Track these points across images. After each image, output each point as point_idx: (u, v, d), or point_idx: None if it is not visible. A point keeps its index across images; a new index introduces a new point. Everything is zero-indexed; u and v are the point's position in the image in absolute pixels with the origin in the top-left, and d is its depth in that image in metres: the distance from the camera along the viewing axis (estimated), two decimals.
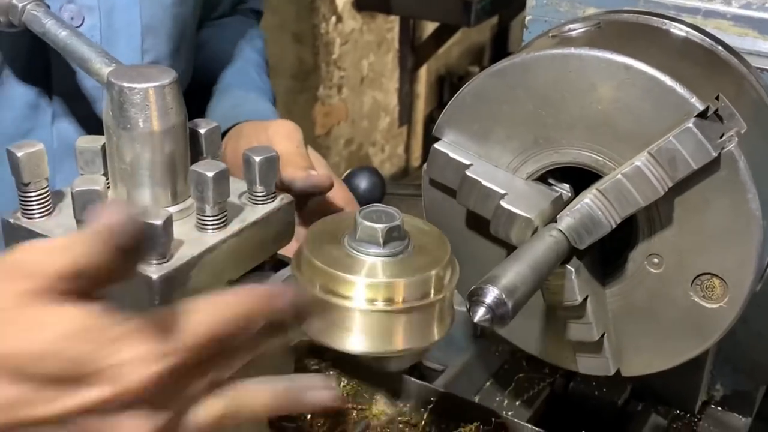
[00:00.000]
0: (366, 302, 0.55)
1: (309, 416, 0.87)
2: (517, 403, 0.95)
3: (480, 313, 0.59)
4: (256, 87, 1.11)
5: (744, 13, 0.82)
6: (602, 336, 0.73)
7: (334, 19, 2.55)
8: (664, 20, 0.77)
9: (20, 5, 0.62)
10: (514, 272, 0.61)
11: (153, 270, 0.54)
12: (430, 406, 0.86)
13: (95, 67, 0.60)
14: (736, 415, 0.96)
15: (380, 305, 0.55)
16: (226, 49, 1.14)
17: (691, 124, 0.63)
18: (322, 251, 0.57)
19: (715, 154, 0.63)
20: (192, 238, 0.57)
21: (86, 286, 0.45)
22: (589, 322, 0.71)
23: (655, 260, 0.70)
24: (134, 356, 0.44)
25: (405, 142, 3.05)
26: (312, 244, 0.58)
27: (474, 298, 0.60)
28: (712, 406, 0.97)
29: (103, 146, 0.60)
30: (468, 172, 0.72)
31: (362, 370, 0.93)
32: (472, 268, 0.70)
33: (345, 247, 0.57)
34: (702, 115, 0.64)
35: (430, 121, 3.11)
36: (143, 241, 0.44)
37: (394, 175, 2.89)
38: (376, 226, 0.56)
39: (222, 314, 0.47)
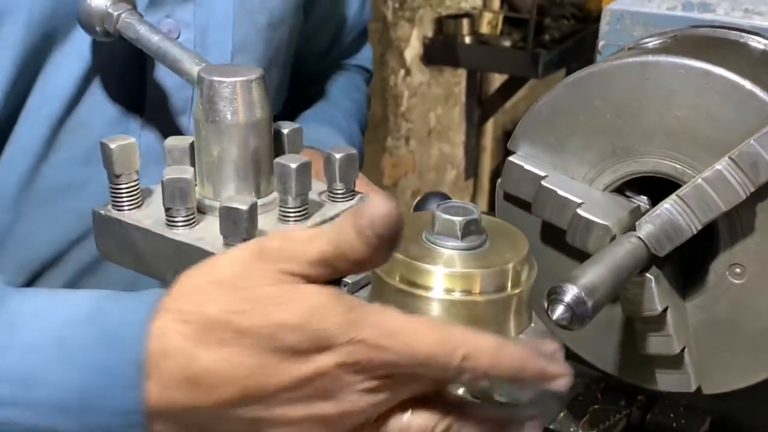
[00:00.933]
0: (444, 292, 0.56)
1: None
2: None
3: (559, 311, 0.59)
4: (334, 124, 1.11)
5: None
6: (683, 350, 0.71)
7: (402, 72, 2.61)
8: (742, 33, 0.77)
9: (115, 13, 0.66)
10: (594, 273, 0.61)
11: None
12: None
13: (186, 66, 0.63)
14: None
15: (457, 295, 0.56)
16: (316, 92, 1.17)
17: None
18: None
19: None
20: (274, 229, 0.59)
21: (334, 272, 0.51)
22: (670, 334, 0.70)
23: (738, 270, 0.69)
24: (367, 337, 0.49)
25: (471, 195, 3.06)
26: None
27: (553, 297, 0.60)
28: None
29: (191, 145, 0.62)
30: (544, 183, 0.72)
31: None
32: (548, 284, 0.70)
33: (423, 241, 0.58)
34: None
35: (496, 175, 3.11)
36: (399, 233, 0.49)
37: None
38: (455, 218, 0.57)
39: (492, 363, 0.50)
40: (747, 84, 0.65)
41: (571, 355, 1.03)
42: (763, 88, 0.65)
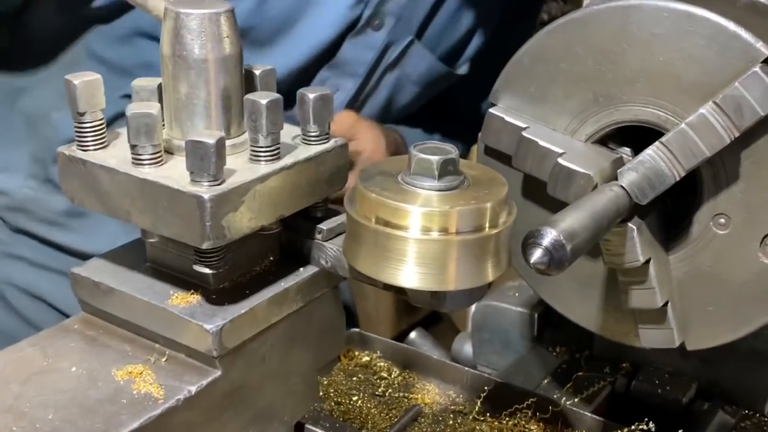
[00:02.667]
0: (421, 232, 0.55)
1: (359, 400, 0.88)
2: (576, 399, 0.93)
3: (537, 254, 0.58)
4: None
5: None
6: (666, 304, 0.71)
7: None
8: None
9: None
10: (574, 218, 0.61)
11: (204, 190, 0.56)
12: (484, 395, 0.86)
13: (151, 2, 0.62)
14: None
15: (435, 235, 0.55)
16: None
17: (757, 69, 0.63)
18: (376, 184, 0.58)
19: None
20: (245, 168, 0.59)
21: None
22: (652, 287, 0.70)
23: (722, 220, 0.69)
24: None
25: None
26: (366, 180, 0.59)
27: (531, 240, 0.59)
28: None
29: (159, 86, 0.62)
30: (524, 134, 0.72)
31: (412, 359, 0.95)
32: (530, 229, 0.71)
33: (400, 182, 0.58)
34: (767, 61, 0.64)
35: None
36: None
37: None
38: (432, 158, 0.57)
39: None
40: (731, 26, 0.65)
41: (554, 322, 1.05)
42: (748, 28, 0.65)
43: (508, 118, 0.74)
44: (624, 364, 0.97)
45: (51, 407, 0.60)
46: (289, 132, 0.64)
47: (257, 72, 0.63)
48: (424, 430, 0.85)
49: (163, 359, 0.65)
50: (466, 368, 0.95)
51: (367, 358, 0.96)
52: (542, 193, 0.72)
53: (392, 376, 0.93)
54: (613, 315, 0.76)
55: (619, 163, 0.71)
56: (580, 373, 0.97)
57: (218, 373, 0.65)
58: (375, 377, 0.93)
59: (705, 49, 0.66)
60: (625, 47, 0.68)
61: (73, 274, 0.67)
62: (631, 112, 0.70)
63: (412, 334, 1.21)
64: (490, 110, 0.75)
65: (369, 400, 0.88)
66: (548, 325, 1.05)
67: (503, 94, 0.75)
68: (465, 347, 1.13)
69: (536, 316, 1.04)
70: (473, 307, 1.11)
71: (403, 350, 0.96)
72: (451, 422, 0.86)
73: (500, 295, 1.07)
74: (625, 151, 0.73)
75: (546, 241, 0.58)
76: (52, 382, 0.62)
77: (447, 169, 0.57)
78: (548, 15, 2.75)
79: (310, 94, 0.61)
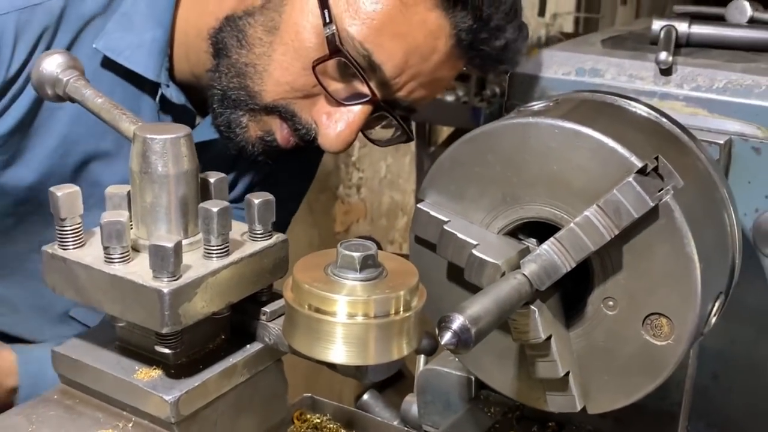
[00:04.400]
0: (346, 317, 0.64)
1: None
2: None
3: (447, 337, 0.66)
4: None
5: (694, 94, 0.94)
6: (567, 374, 0.79)
7: None
8: (615, 97, 0.87)
9: (65, 79, 0.76)
10: (480, 305, 0.69)
11: (164, 285, 0.65)
12: None
13: (124, 126, 0.72)
14: None
15: (358, 319, 0.64)
16: None
17: (631, 179, 0.72)
18: (309, 276, 0.67)
19: (652, 204, 0.72)
20: (199, 264, 0.68)
21: None
22: (555, 360, 0.78)
23: (610, 303, 0.78)
24: None
25: None
26: (301, 272, 0.68)
27: (442, 324, 0.67)
28: None
29: (128, 193, 0.72)
30: (446, 227, 0.81)
31: (359, 421, 0.97)
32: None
33: (329, 274, 0.67)
34: (642, 171, 0.73)
35: None
36: None
37: None
38: (354, 254, 0.66)
39: None
40: (610, 142, 0.74)
41: (487, 386, 1.10)
42: (625, 144, 0.74)
43: (432, 213, 0.82)
44: (550, 423, 1.02)
45: None
46: (238, 229, 0.73)
47: (212, 180, 0.73)
48: None
49: (130, 425, 0.71)
50: (407, 429, 1.01)
51: (318, 420, 0.96)
52: (462, 276, 0.80)
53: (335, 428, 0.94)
54: (526, 383, 0.83)
55: (526, 252, 0.79)
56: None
57: None
58: None
59: (590, 161, 0.75)
60: (526, 157, 0.78)
61: (53, 352, 0.74)
62: (533, 210, 0.79)
63: (365, 396, 1.25)
64: (418, 205, 0.84)
65: None
66: (484, 388, 1.08)
67: (429, 191, 0.84)
68: (412, 408, 1.16)
69: (473, 379, 1.07)
70: (420, 370, 1.18)
71: (350, 413, 0.97)
72: None
73: (442, 361, 1.10)
74: (532, 242, 0.81)
75: (454, 325, 0.66)
76: None
77: (367, 263, 0.66)
78: (500, 88, 2.90)
79: (255, 199, 0.71)
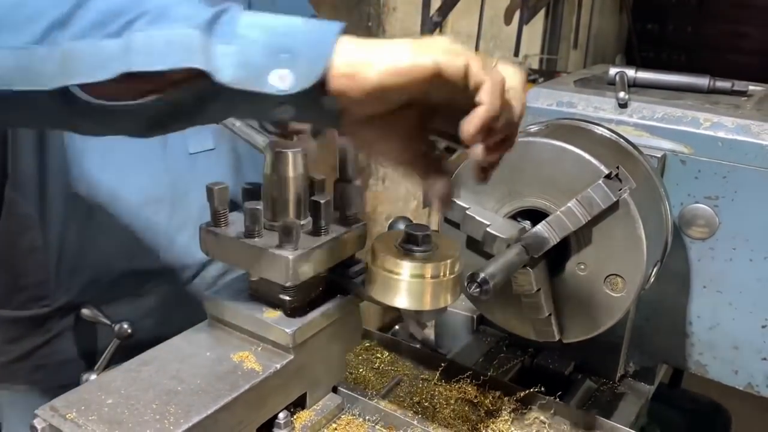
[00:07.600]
0: (409, 276, 0.69)
1: (363, 371, 0.94)
2: (499, 371, 1.04)
3: (473, 288, 0.73)
4: None
5: (641, 122, 0.98)
6: (550, 315, 0.84)
7: None
8: (589, 124, 0.92)
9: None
10: (494, 266, 0.75)
11: (289, 253, 0.68)
12: (441, 368, 0.94)
13: (259, 139, 0.76)
14: (643, 383, 1.05)
15: (418, 279, 0.69)
16: None
17: (600, 182, 0.77)
18: (385, 247, 0.71)
19: (615, 199, 0.77)
20: (309, 240, 0.71)
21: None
22: (542, 305, 0.83)
23: (582, 266, 0.83)
24: None
25: (426, 217, 3.21)
26: (379, 244, 0.72)
27: (470, 279, 0.73)
28: (628, 377, 1.06)
29: (260, 188, 0.73)
30: (467, 212, 0.85)
31: (396, 345, 1.02)
32: (469, 271, 0.79)
33: (398, 247, 0.71)
34: (608, 176, 0.78)
35: None
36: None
37: None
38: (416, 233, 0.70)
39: None
40: (586, 155, 0.80)
41: (486, 322, 1.15)
42: (596, 157, 0.79)
43: (458, 201, 0.87)
44: (530, 349, 1.08)
45: (198, 376, 0.68)
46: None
47: (317, 178, 0.76)
48: (404, 391, 0.90)
49: (260, 348, 0.73)
50: (429, 350, 1.05)
51: (368, 344, 1.02)
52: (478, 245, 0.85)
53: (383, 356, 0.99)
54: (520, 321, 0.88)
55: (523, 231, 0.84)
56: (502, 354, 1.08)
57: (292, 356, 0.72)
58: (373, 357, 0.99)
59: (571, 168, 0.80)
60: (526, 164, 0.82)
61: (206, 298, 0.75)
62: (530, 201, 0.84)
63: (396, 327, 1.28)
64: None
65: (369, 372, 0.95)
66: (483, 323, 1.15)
67: (456, 187, 0.88)
68: (431, 337, 1.21)
69: (475, 318, 1.14)
70: None
71: (390, 339, 1.02)
72: (420, 386, 0.91)
73: (454, 304, 1.16)
74: (527, 223, 0.86)
75: (479, 279, 0.72)
76: (196, 362, 0.70)
77: (424, 240, 0.71)
78: None
79: (349, 187, 0.74)
